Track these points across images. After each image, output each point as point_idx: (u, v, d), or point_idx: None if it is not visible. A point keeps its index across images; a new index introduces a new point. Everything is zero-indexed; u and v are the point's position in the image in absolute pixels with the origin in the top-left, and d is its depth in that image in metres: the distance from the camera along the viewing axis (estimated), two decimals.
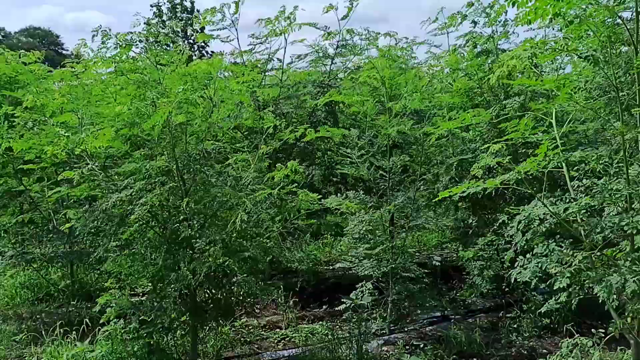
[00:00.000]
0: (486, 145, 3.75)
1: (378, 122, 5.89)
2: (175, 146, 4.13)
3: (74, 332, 5.12)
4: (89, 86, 5.08)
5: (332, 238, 9.16)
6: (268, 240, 4.41)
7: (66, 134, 4.10)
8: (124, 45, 3.97)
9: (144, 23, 49.72)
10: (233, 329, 5.71)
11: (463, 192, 3.57)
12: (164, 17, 58.91)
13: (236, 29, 7.40)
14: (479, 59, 6.11)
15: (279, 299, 6.11)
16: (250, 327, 5.92)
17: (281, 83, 7.54)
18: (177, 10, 59.70)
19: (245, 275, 4.60)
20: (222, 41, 7.54)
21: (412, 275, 5.77)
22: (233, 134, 5.03)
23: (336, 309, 5.79)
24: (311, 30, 9.43)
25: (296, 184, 4.74)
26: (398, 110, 5.59)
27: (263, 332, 5.86)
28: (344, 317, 6.10)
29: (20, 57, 7.29)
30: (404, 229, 5.99)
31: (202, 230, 4.23)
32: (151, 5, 58.47)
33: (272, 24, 7.46)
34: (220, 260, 4.11)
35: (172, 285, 4.30)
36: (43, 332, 5.24)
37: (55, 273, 6.92)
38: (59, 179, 5.01)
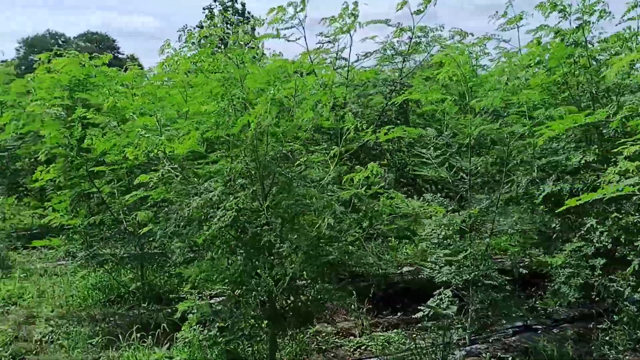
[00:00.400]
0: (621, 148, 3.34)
1: (457, 121, 5.60)
2: (256, 147, 3.97)
3: (149, 336, 5.05)
4: (165, 88, 5.01)
5: (397, 241, 8.90)
6: (350, 245, 4.21)
7: (147, 136, 4.01)
8: (207, 44, 3.84)
9: (196, 26, 50.10)
10: (306, 335, 5.53)
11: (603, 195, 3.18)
12: (216, 20, 59.81)
13: (303, 28, 7.23)
14: (566, 51, 5.73)
15: (352, 305, 5.89)
16: (323, 334, 5.73)
17: (347, 82, 7.34)
18: (228, 12, 60.66)
19: (320, 281, 4.43)
20: (288, 40, 7.38)
21: (495, 283, 5.45)
22: (310, 134, 4.84)
23: (412, 316, 5.54)
24: (375, 28, 9.16)
25: (381, 186, 4.52)
26: (480, 109, 5.29)
27: (337, 340, 5.66)
28: (419, 325, 5.85)
29: (91, 60, 7.33)
30: (485, 234, 5.67)
31: (282, 235, 4.06)
32: (204, 8, 59.47)
33: (337, 21, 7.27)
34: (303, 266, 3.94)
35: (253, 292, 4.15)
36: (120, 336, 5.19)
37: (126, 275, 6.91)
38: (135, 182, 4.95)
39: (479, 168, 5.55)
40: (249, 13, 57.88)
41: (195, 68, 4.32)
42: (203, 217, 4.20)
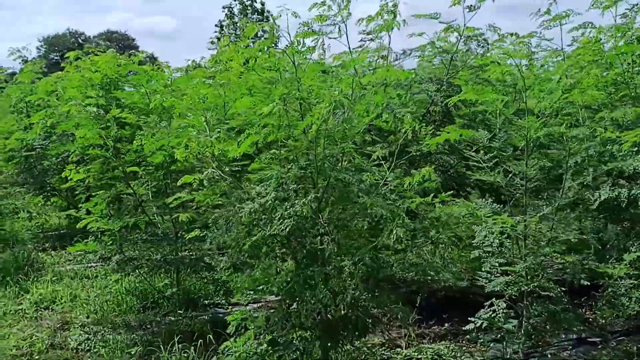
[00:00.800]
0: None
1: (510, 123, 5.32)
2: (314, 150, 3.73)
3: (192, 346, 4.84)
4: (205, 86, 4.79)
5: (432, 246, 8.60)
6: (411, 255, 3.95)
7: (199, 137, 3.79)
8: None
9: (215, 25, 49.72)
10: (354, 347, 5.28)
11: None
12: (236, 19, 59.95)
13: (345, 25, 6.97)
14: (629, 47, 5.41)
15: (408, 318, 5.63)
16: (369, 345, 5.47)
17: (388, 81, 7.07)
18: (247, 11, 60.68)
19: (377, 292, 4.17)
20: (330, 38, 7.12)
21: (552, 294, 5.16)
22: (362, 136, 4.59)
23: (462, 328, 5.27)
24: (424, 23, 8.86)
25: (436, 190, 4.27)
26: (538, 110, 5.01)
27: (384, 352, 5.40)
28: (468, 337, 5.58)
29: (130, 57, 7.17)
30: (542, 242, 5.37)
31: (340, 245, 3.81)
32: (223, 7, 59.52)
33: (374, 20, 7.01)
34: (363, 278, 3.69)
35: (308, 305, 3.90)
36: (161, 345, 4.97)
37: (160, 280, 6.71)
38: (178, 183, 4.74)
39: (535, 173, 5.26)
40: (268, 12, 57.80)
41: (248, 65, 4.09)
42: (254, 222, 3.97)
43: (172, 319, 6.23)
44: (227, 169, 4.05)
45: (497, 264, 5.19)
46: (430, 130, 4.34)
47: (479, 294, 5.32)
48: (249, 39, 4.64)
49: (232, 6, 57.30)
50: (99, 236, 8.56)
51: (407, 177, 4.27)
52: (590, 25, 6.87)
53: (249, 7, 57.47)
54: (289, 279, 4.08)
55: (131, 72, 8.95)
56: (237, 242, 4.08)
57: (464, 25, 6.19)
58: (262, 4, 57.45)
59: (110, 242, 6.18)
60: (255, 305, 6.86)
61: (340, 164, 4.24)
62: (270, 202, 3.77)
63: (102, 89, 8.35)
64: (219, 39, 56.73)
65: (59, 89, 10.72)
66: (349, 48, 7.03)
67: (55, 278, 7.51)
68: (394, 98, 4.87)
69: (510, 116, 5.46)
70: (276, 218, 3.64)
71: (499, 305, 5.06)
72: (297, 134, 3.59)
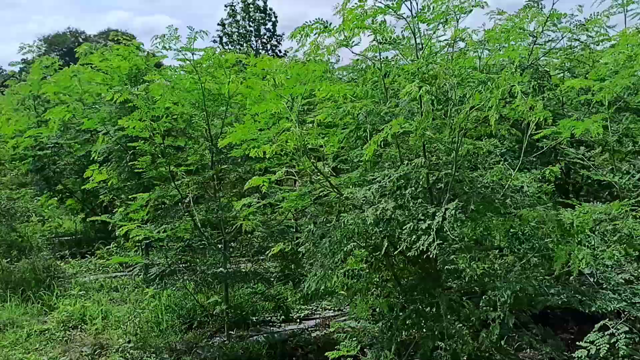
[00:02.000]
0: None
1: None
2: (456, 147, 2.93)
3: None
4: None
5: None
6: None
7: (292, 129, 2.97)
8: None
9: (218, 24, 49.08)
10: None
11: None
12: (238, 17, 59.21)
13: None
14: None
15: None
16: None
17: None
18: (250, 10, 59.90)
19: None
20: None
21: None
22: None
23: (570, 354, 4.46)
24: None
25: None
26: None
27: None
28: None
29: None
30: None
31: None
32: (225, 5, 58.78)
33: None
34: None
35: (429, 339, 3.09)
36: None
37: (209, 296, 5.88)
38: (245, 187, 3.91)
39: None
40: (270, 9, 56.97)
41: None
42: (367, 235, 3.16)
43: (222, 340, 5.41)
44: (326, 169, 3.23)
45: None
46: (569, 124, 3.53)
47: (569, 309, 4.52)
48: None
49: (234, 4, 56.54)
50: (141, 245, 7.76)
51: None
52: None
53: (251, 5, 56.64)
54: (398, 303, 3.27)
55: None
56: (333, 257, 3.26)
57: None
58: (265, 2, 56.67)
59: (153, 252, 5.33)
60: (310, 323, 6.06)
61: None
62: (390, 211, 2.95)
63: (130, 80, 7.57)
64: (221, 37, 55.89)
65: (74, 83, 9.91)
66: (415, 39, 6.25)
67: (81, 291, 6.67)
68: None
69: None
70: (405, 232, 2.82)
71: (617, 328, 4.26)
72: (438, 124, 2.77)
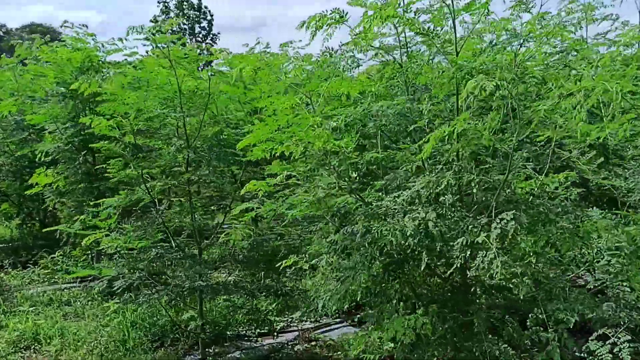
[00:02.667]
0: None
1: None
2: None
3: None
4: None
5: None
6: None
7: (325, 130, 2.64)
8: None
9: (150, 21, 47.93)
10: None
11: None
12: (172, 14, 57.67)
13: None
14: None
15: None
16: None
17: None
18: (184, 7, 58.52)
19: None
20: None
21: None
22: None
23: None
24: None
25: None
26: None
27: None
28: None
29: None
30: None
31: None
32: (158, 2, 57.09)
33: None
34: None
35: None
36: None
37: (182, 311, 5.39)
38: (242, 192, 3.53)
39: None
40: (205, 7, 55.78)
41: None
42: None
43: (197, 357, 4.98)
44: (354, 175, 2.92)
45: None
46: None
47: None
48: None
49: (167, 1, 55.06)
50: (91, 254, 7.12)
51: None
52: None
53: (185, 2, 55.31)
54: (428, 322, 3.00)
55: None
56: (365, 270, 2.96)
57: None
58: (199, 0, 55.50)
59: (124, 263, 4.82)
60: (288, 336, 5.70)
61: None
62: (432, 221, 2.68)
63: (83, 74, 6.96)
64: (154, 34, 54.08)
65: (10, 76, 9.10)
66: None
67: (31, 307, 6.00)
68: None
69: None
70: (456, 247, 2.55)
71: (618, 337, 4.18)
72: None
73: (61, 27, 6.88)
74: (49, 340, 5.25)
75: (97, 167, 6.84)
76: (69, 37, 7.05)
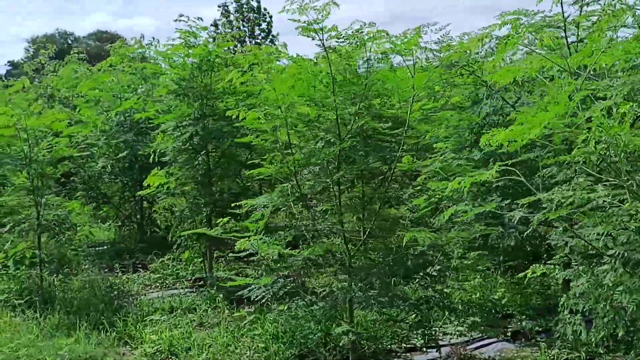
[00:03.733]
0: None
1: None
2: None
3: None
4: None
5: None
6: None
7: None
8: None
9: (211, 25, 48.12)
10: None
11: None
12: (231, 17, 58.42)
13: None
14: None
15: None
16: None
17: None
18: (244, 10, 59.10)
19: None
20: None
21: None
22: None
23: None
24: None
25: None
26: None
27: None
28: None
29: None
30: None
31: None
32: (219, 6, 57.94)
33: None
34: None
35: None
36: None
37: (336, 324, 4.89)
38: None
39: None
40: (265, 9, 55.89)
41: None
42: None
43: None
44: None
45: None
46: None
47: None
48: None
49: (227, 4, 55.54)
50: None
51: None
52: None
53: (245, 5, 55.61)
54: None
55: None
56: None
57: None
58: (258, 2, 55.73)
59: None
60: (435, 352, 5.12)
61: None
62: None
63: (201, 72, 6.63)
64: (214, 38, 54.76)
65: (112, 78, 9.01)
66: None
67: (162, 316, 5.66)
68: None
69: None
70: None
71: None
72: None
73: (175, 21, 6.52)
74: (184, 354, 4.86)
75: (217, 164, 6.51)
76: (182, 30, 6.71)
